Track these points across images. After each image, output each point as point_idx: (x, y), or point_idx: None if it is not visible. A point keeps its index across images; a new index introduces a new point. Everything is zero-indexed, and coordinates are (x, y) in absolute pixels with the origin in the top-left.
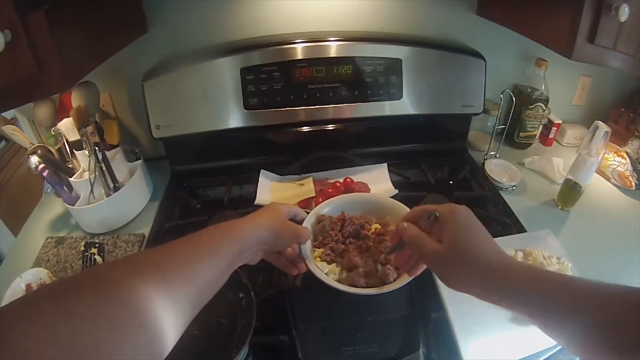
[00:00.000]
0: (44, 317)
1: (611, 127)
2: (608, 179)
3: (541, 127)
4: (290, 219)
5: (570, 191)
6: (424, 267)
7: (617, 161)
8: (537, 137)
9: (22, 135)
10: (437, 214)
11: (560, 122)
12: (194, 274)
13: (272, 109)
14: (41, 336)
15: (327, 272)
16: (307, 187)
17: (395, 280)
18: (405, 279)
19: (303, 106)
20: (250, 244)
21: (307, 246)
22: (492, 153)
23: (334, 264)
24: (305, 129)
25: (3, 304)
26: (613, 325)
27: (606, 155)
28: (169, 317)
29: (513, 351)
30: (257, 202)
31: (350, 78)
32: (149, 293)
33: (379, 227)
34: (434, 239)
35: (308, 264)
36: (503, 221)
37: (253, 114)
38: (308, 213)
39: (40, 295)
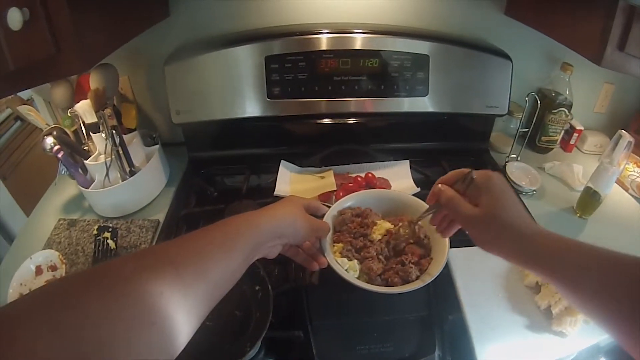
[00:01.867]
0: (51, 316)
1: (632, 137)
2: (626, 190)
3: (563, 132)
4: (310, 214)
5: (590, 199)
6: (458, 227)
7: (637, 172)
8: (558, 142)
9: (38, 116)
10: (474, 176)
11: (582, 128)
12: (209, 268)
13: (296, 99)
14: (49, 336)
15: (347, 269)
16: (327, 180)
17: (417, 278)
18: (427, 279)
19: (327, 98)
20: (267, 237)
21: (327, 241)
22: (514, 156)
23: (355, 261)
24: (328, 121)
25: (12, 284)
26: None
27: (626, 166)
28: (182, 313)
29: (529, 358)
30: (276, 192)
31: (376, 72)
32: (161, 289)
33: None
34: (469, 202)
35: (328, 259)
36: None
37: (275, 104)
38: (328, 207)
39: (48, 293)
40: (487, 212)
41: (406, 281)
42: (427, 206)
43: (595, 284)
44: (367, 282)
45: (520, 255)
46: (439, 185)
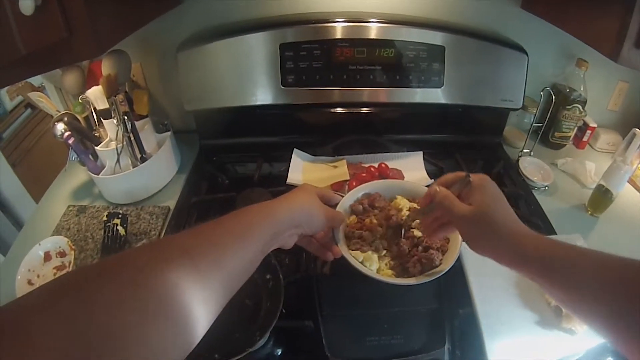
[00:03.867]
0: (63, 309)
1: None
2: (638, 189)
3: (576, 129)
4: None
5: (602, 197)
6: (445, 233)
7: None
8: (571, 138)
9: (49, 102)
10: (470, 179)
11: (596, 125)
12: (225, 258)
13: (310, 88)
14: (60, 330)
15: (362, 261)
16: (340, 169)
17: (440, 263)
18: (443, 269)
19: (342, 87)
20: (284, 227)
21: (340, 231)
22: (527, 151)
23: (370, 252)
24: (342, 110)
25: (20, 270)
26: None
27: (639, 165)
28: (198, 306)
29: (538, 355)
30: (288, 181)
31: (392, 62)
32: (177, 281)
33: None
34: (464, 202)
35: (341, 249)
36: (534, 222)
37: (289, 92)
38: (341, 196)
39: (60, 285)
40: (479, 210)
41: (430, 267)
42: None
43: (588, 282)
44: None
45: (510, 255)
46: (434, 186)
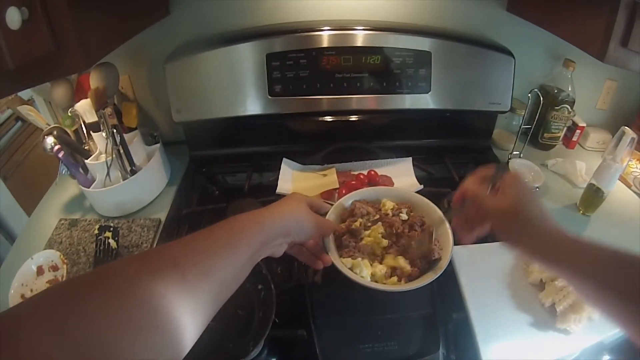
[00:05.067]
0: (53, 318)
1: (635, 133)
2: (629, 186)
3: (565, 129)
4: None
5: (593, 196)
6: (477, 234)
7: (639, 168)
8: (560, 139)
9: (38, 115)
10: (501, 175)
11: (585, 125)
12: (213, 268)
13: (297, 97)
14: (50, 338)
15: (350, 267)
16: (330, 178)
17: (439, 256)
18: (433, 276)
19: (329, 95)
20: (273, 235)
21: (330, 239)
22: (516, 153)
23: (359, 259)
24: (330, 118)
25: (13, 285)
26: None
27: (629, 163)
28: (186, 316)
29: (534, 356)
30: (278, 191)
31: (378, 69)
32: (165, 291)
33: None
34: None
35: (332, 258)
36: None
37: (277, 101)
38: (331, 205)
39: (50, 295)
40: (512, 206)
41: (428, 260)
42: (431, 203)
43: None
44: (376, 279)
45: (540, 251)
46: (465, 184)
